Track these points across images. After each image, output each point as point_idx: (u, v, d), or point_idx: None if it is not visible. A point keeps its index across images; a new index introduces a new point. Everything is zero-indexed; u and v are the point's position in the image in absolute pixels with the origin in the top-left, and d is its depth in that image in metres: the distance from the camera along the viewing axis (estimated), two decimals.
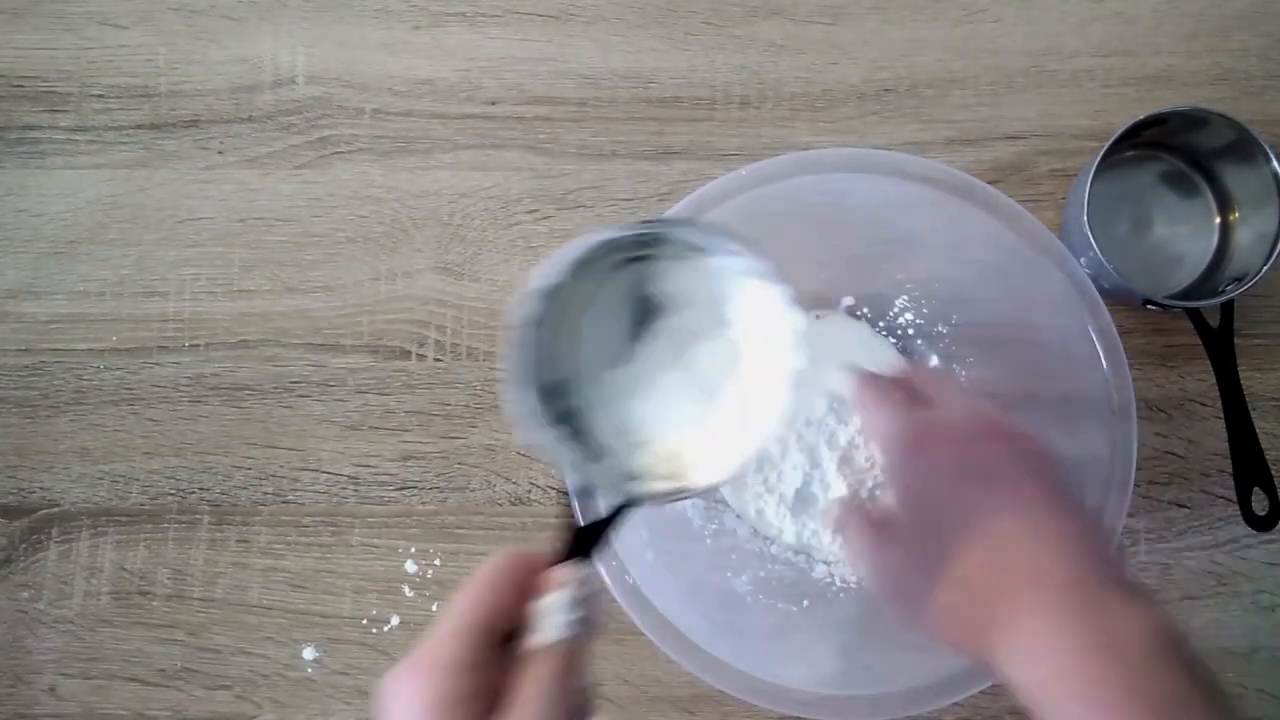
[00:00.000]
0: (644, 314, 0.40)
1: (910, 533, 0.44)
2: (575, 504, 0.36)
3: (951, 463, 0.43)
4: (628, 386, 0.40)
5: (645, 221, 0.37)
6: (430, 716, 0.29)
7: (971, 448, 0.44)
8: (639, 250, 0.38)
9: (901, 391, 0.48)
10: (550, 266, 0.36)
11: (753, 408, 0.38)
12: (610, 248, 0.37)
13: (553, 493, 0.58)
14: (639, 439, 0.39)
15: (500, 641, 0.31)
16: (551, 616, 0.31)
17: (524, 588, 0.32)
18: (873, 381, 0.49)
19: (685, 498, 0.36)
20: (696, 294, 0.40)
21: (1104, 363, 0.50)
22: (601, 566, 0.34)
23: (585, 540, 0.34)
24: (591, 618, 0.32)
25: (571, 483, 0.36)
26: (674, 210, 0.52)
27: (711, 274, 0.39)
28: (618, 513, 0.35)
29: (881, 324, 0.57)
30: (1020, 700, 0.36)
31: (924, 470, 0.44)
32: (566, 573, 0.32)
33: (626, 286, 0.39)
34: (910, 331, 0.57)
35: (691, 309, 0.40)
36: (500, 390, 0.37)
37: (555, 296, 0.37)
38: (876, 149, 0.52)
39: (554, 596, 0.31)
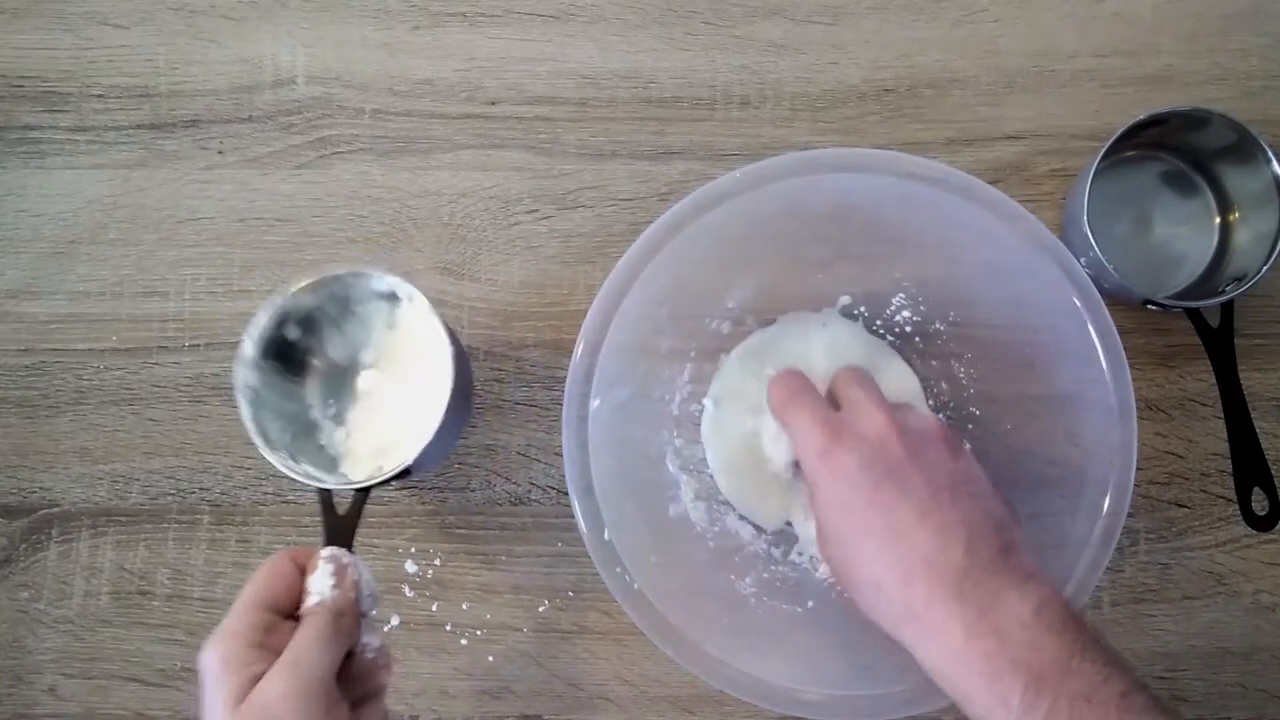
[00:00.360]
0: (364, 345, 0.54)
1: (828, 539, 0.46)
2: (327, 504, 0.47)
3: (858, 467, 0.45)
4: (359, 403, 0.54)
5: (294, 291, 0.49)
6: (224, 672, 0.38)
7: (876, 450, 0.45)
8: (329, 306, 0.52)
9: (816, 394, 0.50)
10: (248, 338, 0.49)
11: (431, 387, 0.49)
12: (287, 319, 0.51)
13: (553, 492, 0.58)
14: (370, 446, 0.52)
15: (287, 614, 0.42)
16: (314, 587, 0.42)
17: (302, 571, 0.43)
18: (787, 386, 0.50)
19: (404, 474, 0.49)
20: (379, 318, 0.53)
21: (1104, 363, 0.50)
22: (357, 551, 0.46)
23: (336, 528, 0.47)
24: (347, 587, 0.42)
25: (320, 489, 0.48)
26: (673, 210, 0.52)
27: (381, 300, 0.52)
28: (359, 503, 0.47)
29: (879, 322, 0.57)
30: (938, 685, 0.41)
31: (833, 475, 0.46)
32: (323, 553, 0.43)
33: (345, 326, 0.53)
34: (908, 329, 0.57)
35: (385, 329, 0.53)
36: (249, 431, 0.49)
37: (278, 356, 0.51)
38: (876, 149, 0.52)
39: (315, 573, 0.43)
